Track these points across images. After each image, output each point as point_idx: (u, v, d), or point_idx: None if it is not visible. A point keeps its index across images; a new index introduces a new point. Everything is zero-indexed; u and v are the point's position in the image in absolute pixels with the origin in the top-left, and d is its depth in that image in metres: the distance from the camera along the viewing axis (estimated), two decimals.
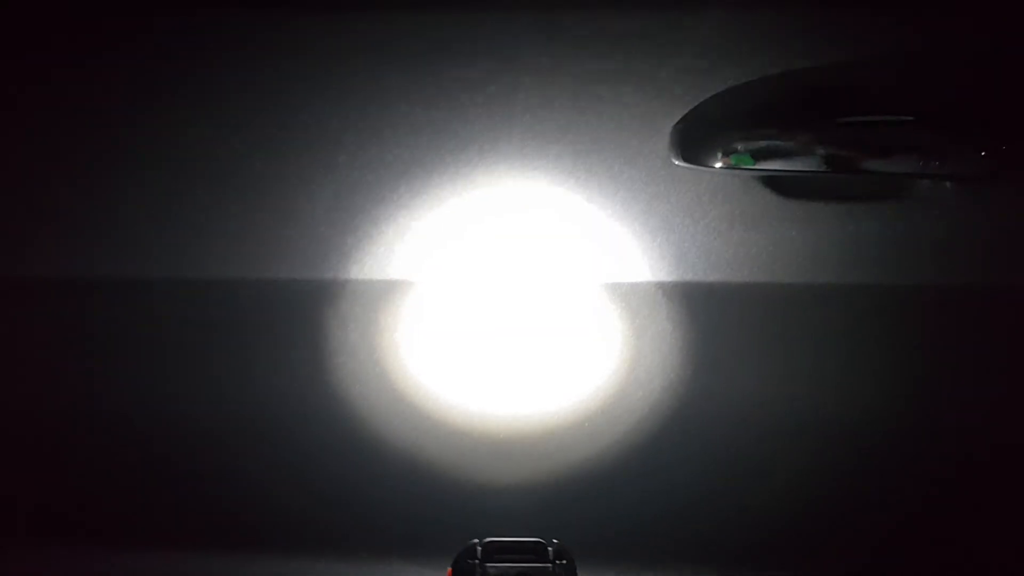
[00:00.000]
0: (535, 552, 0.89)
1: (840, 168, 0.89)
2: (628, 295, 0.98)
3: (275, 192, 0.97)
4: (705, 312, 0.98)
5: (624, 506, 1.06)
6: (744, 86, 0.88)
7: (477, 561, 0.88)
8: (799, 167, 0.89)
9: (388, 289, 1.00)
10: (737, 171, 0.90)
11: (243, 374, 1.05)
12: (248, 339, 1.04)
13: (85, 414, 1.09)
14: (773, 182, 0.93)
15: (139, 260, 1.00)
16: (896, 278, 0.95)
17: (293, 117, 0.95)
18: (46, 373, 1.08)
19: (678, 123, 0.91)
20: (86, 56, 0.95)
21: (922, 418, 1.02)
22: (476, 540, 0.90)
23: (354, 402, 1.05)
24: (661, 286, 0.97)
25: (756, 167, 0.89)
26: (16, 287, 1.03)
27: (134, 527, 1.14)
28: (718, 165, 0.89)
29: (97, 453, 1.10)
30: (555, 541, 0.89)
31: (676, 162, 0.91)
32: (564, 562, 0.88)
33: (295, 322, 1.02)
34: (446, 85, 0.92)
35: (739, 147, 0.88)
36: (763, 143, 0.88)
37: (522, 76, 0.91)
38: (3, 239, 1.01)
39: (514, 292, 0.99)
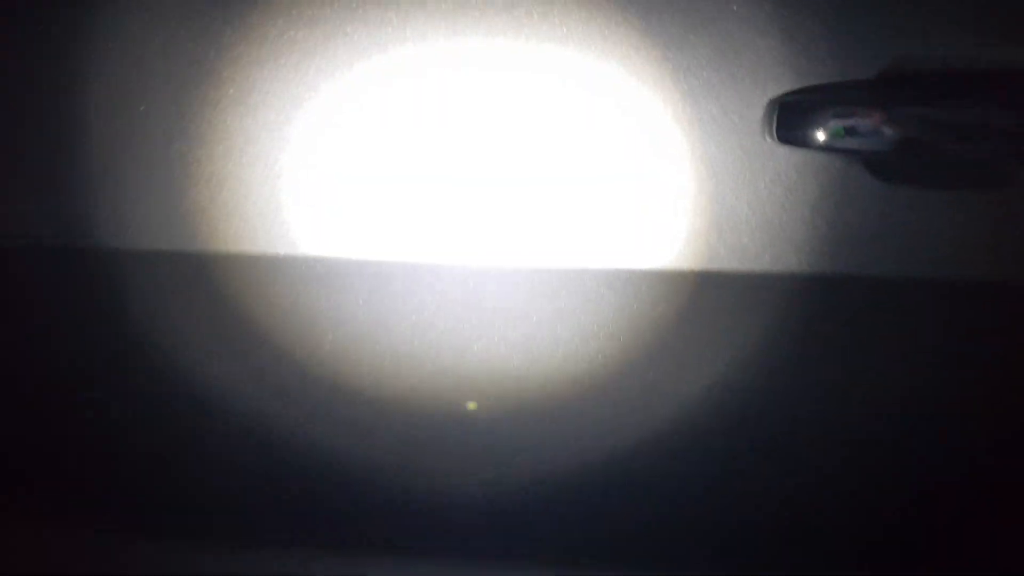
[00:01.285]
0: None
1: (943, 153, 0.88)
2: (713, 284, 0.94)
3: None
4: (796, 303, 0.94)
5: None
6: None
7: None
8: (896, 149, 0.87)
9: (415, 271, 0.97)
10: (833, 152, 0.89)
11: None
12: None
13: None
14: (871, 164, 0.90)
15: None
16: (1001, 274, 0.91)
17: None
18: None
19: (774, 99, 0.89)
20: None
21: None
22: None
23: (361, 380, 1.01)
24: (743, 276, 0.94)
25: (853, 147, 0.87)
26: None
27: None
28: (815, 143, 0.87)
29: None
30: None
31: (769, 139, 0.89)
32: None
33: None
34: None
35: (838, 126, 0.87)
36: (861, 123, 0.87)
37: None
38: None
39: (589, 276, 0.96)
